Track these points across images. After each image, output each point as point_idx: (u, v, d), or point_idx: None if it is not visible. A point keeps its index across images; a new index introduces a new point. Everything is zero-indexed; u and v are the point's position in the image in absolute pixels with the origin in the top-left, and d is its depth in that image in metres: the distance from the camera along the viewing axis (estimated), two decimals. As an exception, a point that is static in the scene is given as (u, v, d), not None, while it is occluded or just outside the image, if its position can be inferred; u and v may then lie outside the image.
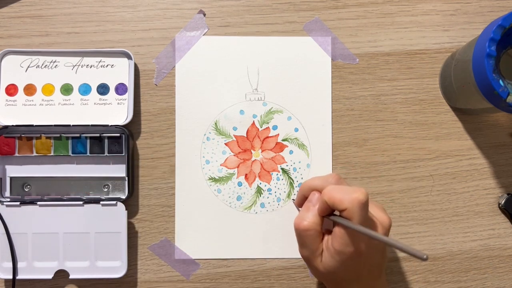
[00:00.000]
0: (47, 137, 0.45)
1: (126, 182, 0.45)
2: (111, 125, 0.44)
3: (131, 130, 0.46)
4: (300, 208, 0.43)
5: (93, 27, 0.46)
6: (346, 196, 0.35)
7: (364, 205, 0.35)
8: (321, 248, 0.38)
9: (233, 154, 0.46)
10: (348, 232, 0.36)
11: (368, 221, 0.37)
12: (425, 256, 0.28)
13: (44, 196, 0.45)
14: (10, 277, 0.43)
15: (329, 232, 0.39)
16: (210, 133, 0.46)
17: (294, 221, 0.39)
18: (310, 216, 0.39)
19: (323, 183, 0.39)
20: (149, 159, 0.46)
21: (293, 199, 0.46)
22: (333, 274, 0.38)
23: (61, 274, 0.44)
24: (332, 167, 0.46)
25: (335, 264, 0.37)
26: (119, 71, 0.45)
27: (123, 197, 0.45)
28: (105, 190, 0.45)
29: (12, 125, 0.44)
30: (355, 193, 0.35)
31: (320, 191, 0.39)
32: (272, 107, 0.47)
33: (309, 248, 0.39)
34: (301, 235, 0.39)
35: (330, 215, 0.38)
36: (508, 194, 0.46)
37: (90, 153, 0.45)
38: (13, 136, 0.45)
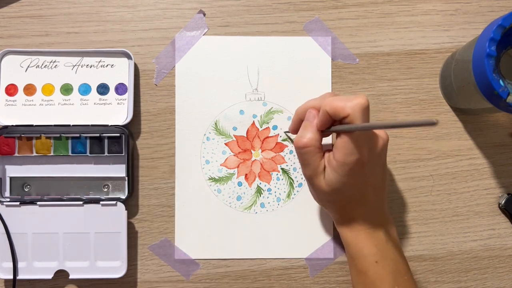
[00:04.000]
0: (47, 137, 0.45)
1: (126, 182, 0.45)
2: (111, 125, 0.44)
3: (131, 130, 0.46)
4: (293, 136, 0.44)
5: (93, 27, 0.46)
6: (348, 103, 0.36)
7: (366, 109, 0.36)
8: (323, 165, 0.39)
9: (233, 154, 0.46)
10: (351, 139, 0.36)
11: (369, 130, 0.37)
12: (435, 120, 0.27)
13: (44, 196, 0.45)
14: (10, 277, 0.43)
15: (330, 150, 0.39)
16: (210, 133, 0.46)
17: (293, 141, 0.40)
18: (309, 133, 0.39)
19: (320, 101, 0.39)
20: (149, 159, 0.46)
21: (285, 131, 0.46)
22: (337, 192, 0.39)
23: (61, 274, 0.44)
24: (332, 167, 0.46)
25: (339, 179, 0.38)
26: (119, 71, 0.45)
27: (123, 197, 0.45)
28: (105, 190, 0.45)
29: (12, 125, 0.44)
30: (356, 98, 0.36)
31: (317, 109, 0.39)
32: (272, 107, 0.47)
33: (310, 166, 0.39)
34: (302, 153, 0.39)
35: (330, 128, 0.38)
36: (508, 194, 0.46)
37: (90, 153, 0.45)
38: (13, 136, 0.45)
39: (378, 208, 0.41)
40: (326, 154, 0.39)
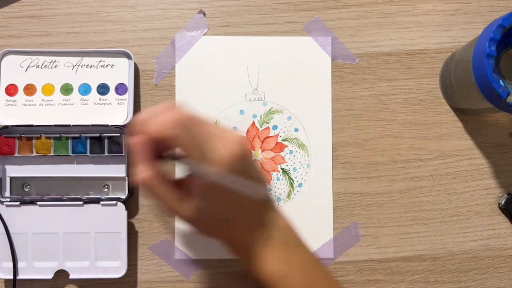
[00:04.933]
0: (47, 137, 0.45)
1: (126, 182, 0.45)
2: (111, 125, 0.44)
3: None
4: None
5: (93, 27, 0.46)
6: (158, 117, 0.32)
7: (180, 125, 0.32)
8: (176, 195, 0.34)
9: (233, 154, 0.46)
10: (187, 163, 0.33)
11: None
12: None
13: (44, 196, 0.45)
14: (10, 277, 0.43)
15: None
16: (210, 133, 0.46)
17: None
18: (141, 167, 0.33)
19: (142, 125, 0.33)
20: (149, 159, 0.46)
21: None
22: (205, 218, 0.34)
23: (61, 274, 0.44)
24: (332, 167, 0.46)
25: (194, 205, 0.33)
26: (119, 71, 0.45)
27: (123, 197, 0.45)
28: (105, 190, 0.45)
29: (12, 125, 0.44)
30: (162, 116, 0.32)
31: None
32: (272, 107, 0.47)
33: (163, 201, 0.34)
34: (147, 190, 0.34)
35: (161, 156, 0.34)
36: (508, 194, 0.46)
37: (90, 153, 0.45)
38: (13, 136, 0.45)
39: (253, 221, 0.36)
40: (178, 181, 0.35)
